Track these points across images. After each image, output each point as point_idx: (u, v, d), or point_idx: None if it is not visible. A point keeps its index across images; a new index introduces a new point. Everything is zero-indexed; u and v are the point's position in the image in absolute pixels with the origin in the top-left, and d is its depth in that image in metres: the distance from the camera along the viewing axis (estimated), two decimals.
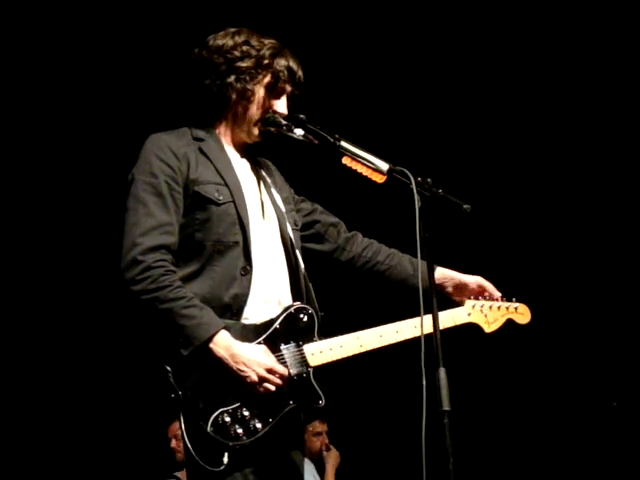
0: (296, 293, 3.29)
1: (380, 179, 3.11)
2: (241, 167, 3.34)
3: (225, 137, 3.36)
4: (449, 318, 3.42)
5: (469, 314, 3.46)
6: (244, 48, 3.29)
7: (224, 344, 2.99)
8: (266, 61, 3.29)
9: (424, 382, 2.82)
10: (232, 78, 3.27)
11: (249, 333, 3.10)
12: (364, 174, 3.13)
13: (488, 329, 3.49)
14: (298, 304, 3.23)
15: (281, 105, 3.33)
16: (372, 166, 3.11)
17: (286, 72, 3.31)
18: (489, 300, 3.51)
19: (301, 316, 3.21)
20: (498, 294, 3.53)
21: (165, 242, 3.06)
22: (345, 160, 3.15)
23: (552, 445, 6.90)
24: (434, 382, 2.82)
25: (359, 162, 3.13)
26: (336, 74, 5.89)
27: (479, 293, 3.51)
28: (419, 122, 6.33)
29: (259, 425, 3.00)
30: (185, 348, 2.96)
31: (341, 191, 4.91)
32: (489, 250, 6.54)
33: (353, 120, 5.48)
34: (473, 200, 3.00)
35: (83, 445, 6.50)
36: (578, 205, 6.63)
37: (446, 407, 2.79)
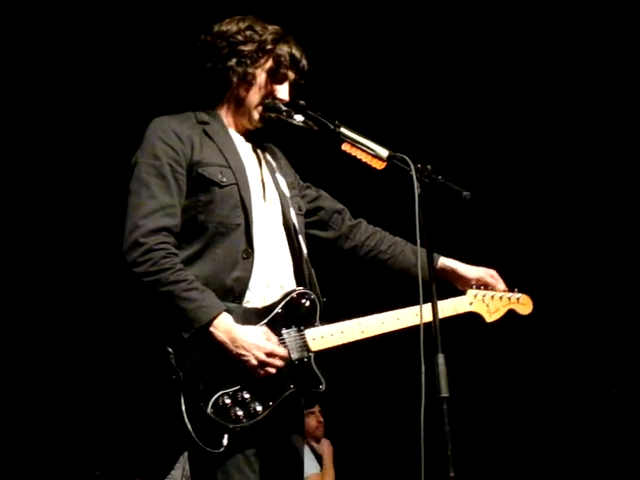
0: (298, 278, 3.29)
1: (380, 166, 3.11)
2: (245, 150, 3.34)
3: (228, 121, 3.36)
4: (451, 306, 3.42)
5: (471, 303, 3.47)
6: (247, 33, 3.30)
7: (224, 327, 2.99)
8: (268, 46, 3.29)
9: (423, 368, 2.83)
10: (233, 61, 3.28)
11: (251, 316, 3.10)
12: (364, 160, 3.13)
13: (489, 319, 3.50)
14: (300, 289, 3.23)
15: (282, 91, 3.33)
16: (372, 152, 3.11)
17: (288, 58, 3.31)
18: (491, 290, 3.52)
19: (303, 301, 3.21)
20: (501, 287, 3.54)
21: (167, 224, 3.06)
22: (345, 146, 3.15)
23: (551, 432, 6.92)
24: (433, 368, 2.82)
25: (359, 148, 3.13)
26: (337, 61, 5.88)
27: (482, 285, 3.51)
28: (419, 108, 6.32)
29: (259, 408, 3.00)
30: (186, 331, 2.96)
31: (341, 178, 4.91)
32: (489, 237, 6.54)
33: (353, 107, 5.47)
34: (473, 187, 3.00)
35: (85, 431, 6.52)
36: (578, 193, 6.63)
37: (445, 393, 2.79)
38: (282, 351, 3.07)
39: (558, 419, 6.90)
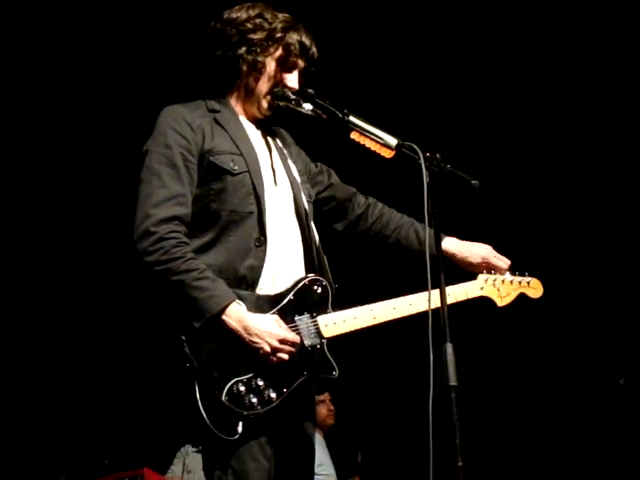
0: (310, 265, 3.30)
1: (388, 154, 3.10)
2: (256, 138, 3.34)
3: (238, 109, 3.36)
4: (462, 291, 3.43)
5: (482, 288, 3.48)
6: (257, 21, 3.30)
7: (236, 316, 3.00)
8: (278, 34, 3.29)
9: (431, 357, 2.83)
10: (243, 50, 3.28)
11: (263, 304, 3.11)
12: (372, 149, 3.13)
13: (501, 303, 3.51)
14: (312, 276, 3.24)
15: (292, 79, 3.32)
16: (380, 141, 3.11)
17: (298, 46, 3.31)
18: (500, 273, 3.53)
19: (315, 288, 3.23)
20: (505, 264, 3.53)
21: (178, 213, 3.07)
22: (353, 135, 3.15)
23: (560, 422, 6.92)
24: (441, 357, 2.82)
25: (367, 137, 3.13)
26: (346, 50, 5.87)
27: (487, 267, 3.52)
28: (428, 97, 6.30)
29: (273, 395, 3.02)
30: (197, 320, 2.97)
31: (349, 166, 4.90)
32: (497, 225, 6.53)
33: (362, 95, 5.46)
34: (481, 176, 3.00)
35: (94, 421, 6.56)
36: (586, 179, 6.61)
37: (453, 382, 2.79)
38: (295, 337, 3.08)
39: (566, 408, 6.91)
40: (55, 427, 6.52)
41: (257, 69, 3.29)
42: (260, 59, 3.28)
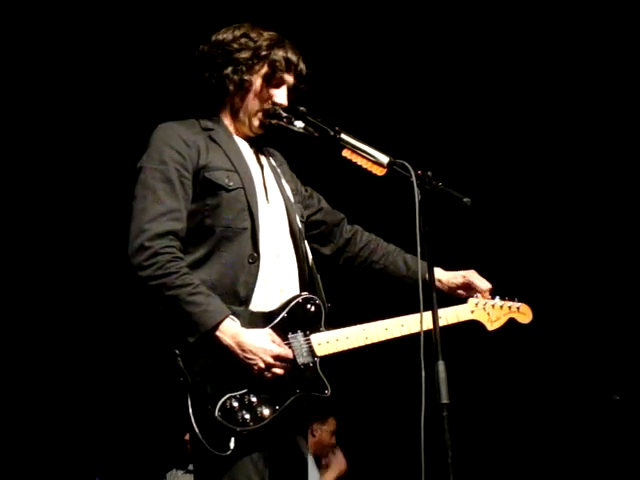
0: (303, 283, 3.31)
1: (380, 172, 3.11)
2: (249, 155, 3.36)
3: (231, 127, 3.38)
4: (453, 314, 3.46)
5: (472, 311, 3.52)
6: (242, 40, 3.32)
7: (230, 332, 3.00)
8: (263, 52, 3.30)
9: (423, 375, 2.84)
10: (229, 70, 3.30)
11: (257, 321, 3.11)
12: (364, 167, 3.14)
13: (490, 327, 3.55)
14: (306, 294, 3.25)
15: (280, 95, 3.34)
16: (372, 159, 3.12)
17: (283, 62, 3.32)
18: (492, 299, 3.57)
19: (308, 306, 3.24)
20: (486, 286, 3.55)
21: (173, 228, 3.07)
22: (345, 153, 3.16)
23: (552, 438, 6.91)
24: (433, 375, 2.82)
25: (359, 155, 3.13)
26: (337, 67, 5.88)
27: (471, 290, 3.54)
28: (419, 115, 6.32)
29: (266, 412, 3.02)
30: (191, 335, 2.97)
31: (341, 184, 4.91)
32: (489, 244, 6.54)
33: (354, 113, 5.47)
34: (473, 193, 3.00)
35: (89, 434, 6.52)
36: (579, 198, 6.63)
37: (445, 400, 2.80)
38: (288, 352, 3.09)
39: (560, 425, 6.89)
40: (48, 443, 6.48)
41: (244, 88, 3.31)
42: (246, 77, 3.30)
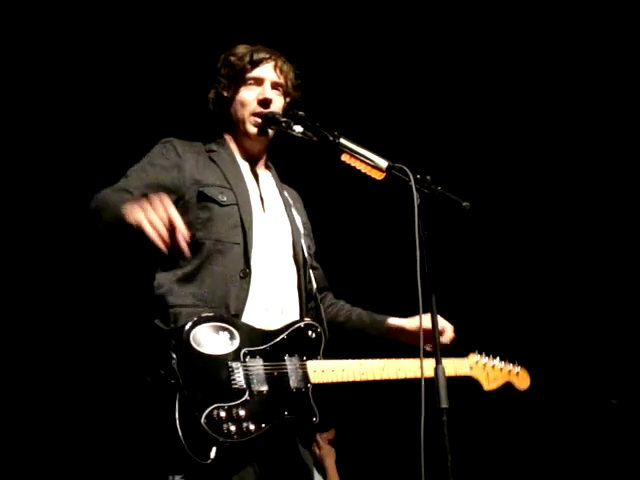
0: (305, 310, 3.33)
1: (379, 176, 3.12)
2: (250, 176, 3.41)
3: (234, 148, 3.45)
4: (451, 367, 3.47)
5: (471, 368, 3.57)
6: (227, 59, 3.47)
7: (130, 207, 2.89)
8: (232, 60, 3.44)
9: (422, 380, 2.84)
10: (212, 93, 3.46)
11: (256, 338, 3.11)
12: (363, 171, 3.14)
13: (487, 387, 3.62)
14: (308, 320, 3.27)
15: (262, 92, 3.40)
16: (371, 163, 3.12)
17: (246, 58, 3.41)
18: (493, 358, 3.61)
19: (309, 332, 3.25)
20: (446, 338, 3.45)
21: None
22: (344, 157, 3.16)
23: (551, 442, 6.90)
24: (432, 380, 2.83)
25: (358, 159, 3.14)
26: (335, 71, 5.89)
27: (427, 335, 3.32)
28: (418, 119, 6.32)
29: (252, 427, 2.99)
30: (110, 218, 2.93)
31: (340, 188, 4.91)
32: (488, 247, 6.54)
33: (352, 117, 5.47)
34: (472, 197, 3.00)
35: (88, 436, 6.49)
36: (576, 202, 6.61)
37: (444, 404, 2.80)
38: (163, 197, 2.86)
39: (559, 429, 6.89)
40: (46, 447, 6.46)
41: (230, 101, 3.42)
42: (226, 93, 3.42)
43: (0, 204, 5.78)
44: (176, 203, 3.09)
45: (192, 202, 3.21)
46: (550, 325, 6.16)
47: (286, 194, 3.53)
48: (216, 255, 3.16)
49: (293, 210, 3.48)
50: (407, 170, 3.02)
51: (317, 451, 6.28)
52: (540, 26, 5.99)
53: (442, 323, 3.40)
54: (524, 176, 6.59)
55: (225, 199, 3.22)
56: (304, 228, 3.50)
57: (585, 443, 6.72)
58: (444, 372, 2.83)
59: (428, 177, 3.02)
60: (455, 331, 3.45)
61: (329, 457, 6.35)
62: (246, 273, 3.17)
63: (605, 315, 6.65)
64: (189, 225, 3.13)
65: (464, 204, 2.98)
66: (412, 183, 2.98)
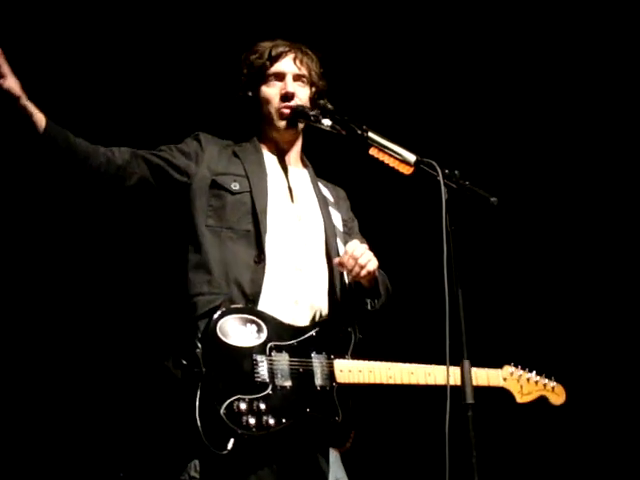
0: (335, 307, 3.32)
1: (407, 171, 3.11)
2: (284, 170, 3.44)
3: (264, 143, 3.48)
4: (484, 377, 3.45)
5: (505, 379, 3.51)
6: (248, 59, 3.51)
7: None
8: (254, 58, 3.47)
9: (448, 375, 2.82)
10: (243, 89, 3.49)
11: (284, 333, 3.13)
12: (391, 165, 3.13)
13: (520, 399, 3.55)
14: (339, 319, 3.27)
15: (284, 86, 3.41)
16: (399, 157, 3.12)
17: (266, 54, 3.44)
18: (528, 372, 3.56)
19: (339, 331, 3.25)
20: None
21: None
22: (372, 151, 3.16)
23: (577, 441, 6.85)
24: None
25: (386, 153, 3.13)
26: (364, 66, 5.87)
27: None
28: (447, 114, 6.29)
29: (272, 421, 3.00)
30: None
31: (368, 182, 4.90)
32: (516, 243, 6.49)
33: (380, 111, 5.46)
34: (501, 193, 2.99)
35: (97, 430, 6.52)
36: (613, 198, 6.52)
37: (470, 400, 2.79)
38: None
39: (583, 428, 6.84)
40: (68, 439, 6.49)
41: (256, 99, 3.45)
42: (253, 90, 3.45)
43: (12, 201, 5.80)
44: (182, 186, 3.25)
45: (208, 190, 3.25)
46: (563, 326, 6.08)
47: (326, 191, 3.53)
48: (228, 242, 3.19)
49: (331, 208, 3.48)
50: (435, 165, 3.01)
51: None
52: (556, 20, 5.96)
53: (360, 250, 3.26)
54: (554, 170, 6.53)
55: (237, 187, 3.26)
56: (345, 227, 3.49)
57: (605, 439, 6.66)
58: (470, 367, 2.81)
59: (456, 172, 3.01)
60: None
61: None
62: (261, 258, 3.18)
63: (605, 313, 6.52)
64: (202, 212, 3.23)
65: (492, 199, 2.98)
66: (440, 178, 2.97)
